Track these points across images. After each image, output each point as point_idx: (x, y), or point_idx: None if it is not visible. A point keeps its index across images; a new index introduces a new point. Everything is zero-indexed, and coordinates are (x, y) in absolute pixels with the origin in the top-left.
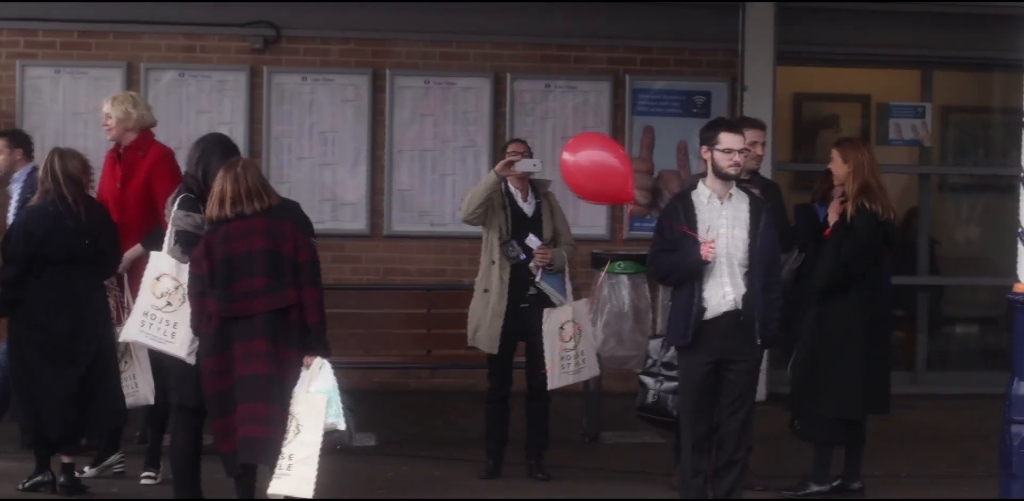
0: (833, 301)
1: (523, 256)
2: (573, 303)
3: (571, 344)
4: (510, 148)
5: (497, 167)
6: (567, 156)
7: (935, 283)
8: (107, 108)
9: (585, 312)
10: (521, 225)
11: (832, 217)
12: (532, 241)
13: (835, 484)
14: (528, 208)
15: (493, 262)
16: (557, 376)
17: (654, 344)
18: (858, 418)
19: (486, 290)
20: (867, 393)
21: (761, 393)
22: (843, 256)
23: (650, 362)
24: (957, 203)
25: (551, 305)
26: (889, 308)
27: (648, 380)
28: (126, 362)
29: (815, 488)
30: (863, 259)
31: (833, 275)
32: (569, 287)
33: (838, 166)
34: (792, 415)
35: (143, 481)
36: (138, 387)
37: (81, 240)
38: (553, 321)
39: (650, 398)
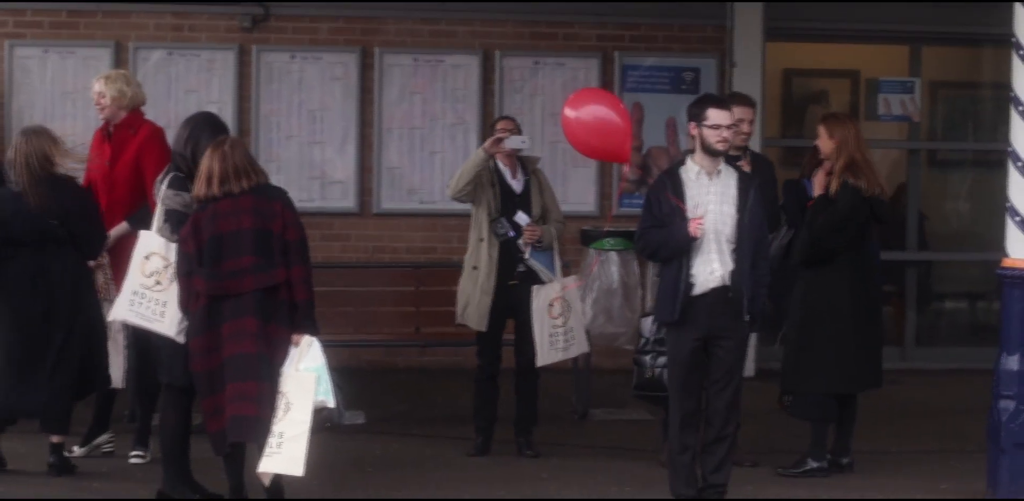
0: (818, 276)
1: (512, 233)
2: (562, 280)
3: (560, 321)
4: (499, 125)
5: (486, 144)
6: (569, 111)
7: (924, 259)
8: (100, 87)
9: (574, 289)
10: (510, 202)
11: (816, 190)
12: (521, 218)
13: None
14: (517, 185)
15: (482, 239)
16: (546, 353)
17: (647, 322)
18: (848, 393)
19: (475, 267)
20: (858, 368)
21: (750, 369)
22: (816, 230)
23: (643, 341)
24: (947, 178)
25: (540, 282)
26: (879, 283)
27: (644, 358)
28: None
29: (814, 465)
30: (837, 234)
31: (805, 249)
32: (558, 264)
33: (824, 141)
34: (781, 391)
35: (132, 460)
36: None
37: (46, 222)
38: (542, 298)
39: (647, 374)
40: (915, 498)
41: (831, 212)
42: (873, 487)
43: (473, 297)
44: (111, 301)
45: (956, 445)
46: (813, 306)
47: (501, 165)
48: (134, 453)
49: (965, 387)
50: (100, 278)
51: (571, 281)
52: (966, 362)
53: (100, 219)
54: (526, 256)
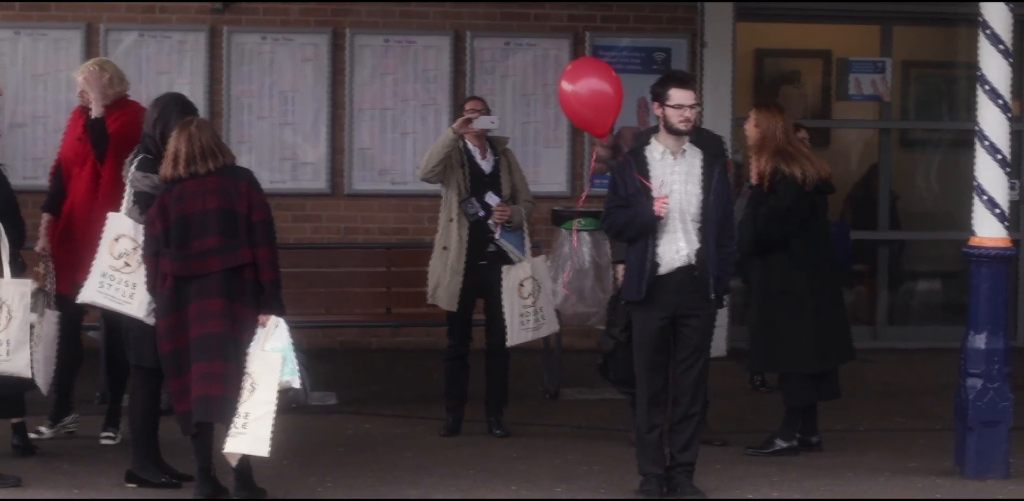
0: (772, 258)
1: (482, 213)
2: (532, 260)
3: (530, 301)
4: (468, 105)
5: (455, 124)
6: (565, 85)
7: (896, 238)
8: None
9: (544, 269)
10: (479, 182)
11: (753, 178)
12: (491, 198)
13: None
14: (486, 165)
15: (452, 220)
16: (516, 333)
17: (610, 303)
18: (813, 371)
19: (445, 248)
20: (820, 347)
21: (722, 349)
22: (759, 223)
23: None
24: (919, 158)
25: (510, 262)
26: (847, 262)
27: (606, 340)
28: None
29: (783, 445)
30: (781, 224)
31: (752, 241)
32: (527, 244)
33: (750, 128)
34: (751, 372)
35: (103, 441)
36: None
37: None
38: (512, 278)
39: (598, 360)
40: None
41: (772, 205)
42: (841, 466)
43: (443, 277)
44: (49, 292)
45: (925, 424)
46: (770, 289)
47: (471, 145)
48: (105, 434)
49: (936, 366)
50: (41, 268)
51: (541, 261)
52: (937, 341)
53: (16, 208)
54: (496, 236)
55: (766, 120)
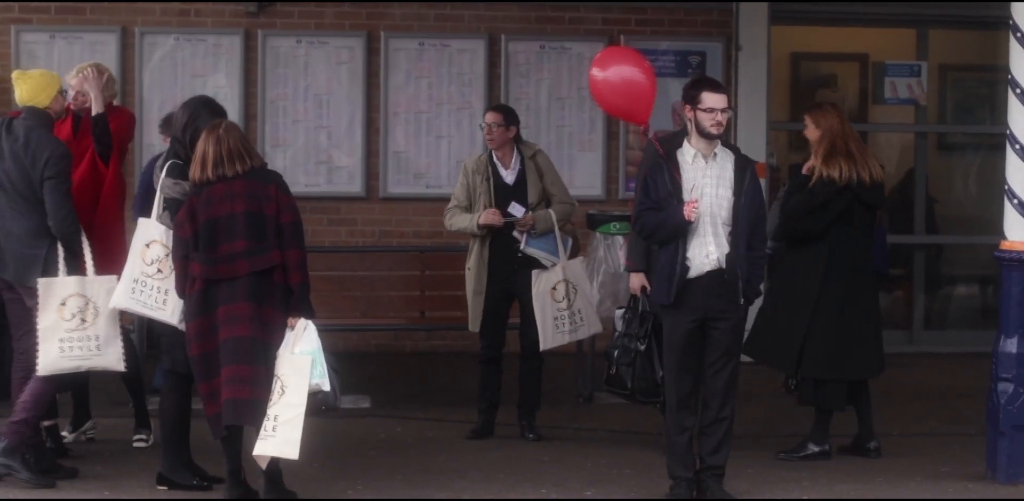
0: (793, 258)
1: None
2: (567, 262)
3: (564, 304)
4: (487, 118)
5: (481, 220)
6: (595, 72)
7: (933, 242)
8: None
9: (581, 271)
10: (503, 194)
11: (804, 168)
12: (515, 209)
13: (849, 444)
14: (510, 177)
15: (475, 236)
16: (551, 336)
17: (618, 314)
18: (823, 378)
19: (469, 268)
20: (855, 355)
21: None
22: (788, 210)
23: (615, 334)
24: (956, 162)
25: (543, 267)
26: (885, 267)
27: (612, 353)
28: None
29: (815, 449)
30: (809, 217)
31: (779, 226)
32: (562, 245)
33: (811, 131)
34: (785, 375)
35: (136, 444)
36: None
37: None
38: (543, 283)
39: (611, 370)
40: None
41: (805, 195)
42: (873, 470)
43: (468, 299)
44: None
45: (959, 428)
46: (782, 287)
47: (495, 157)
48: (137, 437)
49: (972, 370)
50: None
51: (578, 263)
52: (974, 346)
53: None
54: (522, 246)
55: (823, 118)
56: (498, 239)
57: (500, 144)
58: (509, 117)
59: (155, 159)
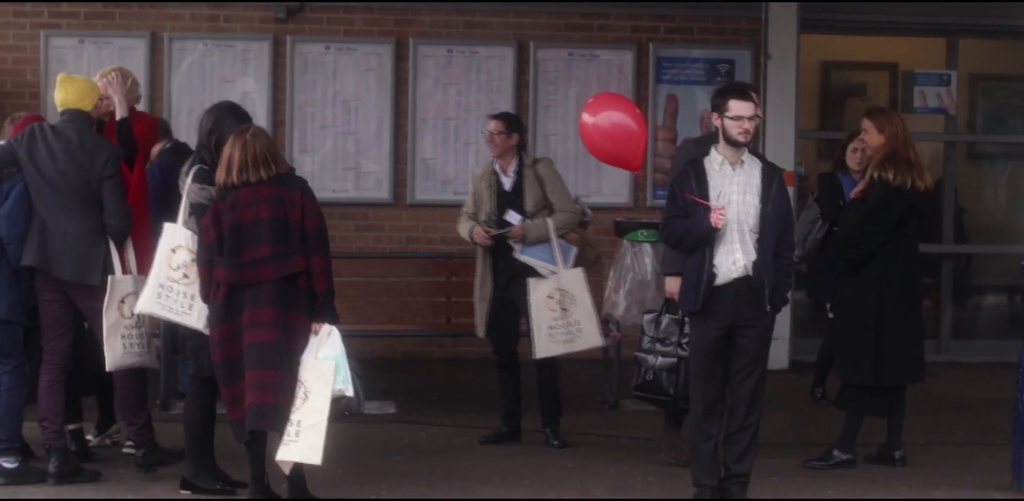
0: (852, 270)
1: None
2: (563, 272)
3: (558, 313)
4: (489, 125)
5: (477, 236)
6: (586, 117)
7: (962, 251)
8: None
9: (580, 280)
10: (503, 201)
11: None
12: (511, 216)
13: (875, 452)
14: (508, 183)
15: (478, 244)
16: (545, 345)
17: (647, 319)
18: (890, 384)
19: (478, 275)
20: (898, 360)
21: (784, 361)
22: (846, 231)
23: (646, 340)
24: (986, 171)
25: (541, 275)
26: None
27: (646, 358)
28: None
29: (842, 457)
30: (869, 228)
31: (844, 258)
32: (558, 254)
33: (873, 136)
34: (813, 383)
35: (125, 450)
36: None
37: None
38: (539, 291)
39: (647, 376)
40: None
41: (859, 208)
42: (898, 479)
43: (475, 305)
44: None
45: (986, 438)
46: (851, 298)
47: (498, 165)
48: (128, 443)
49: (999, 380)
50: None
51: (578, 273)
52: (1002, 355)
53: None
54: (516, 254)
55: (888, 124)
56: (500, 247)
57: (502, 152)
58: (512, 125)
59: (152, 167)
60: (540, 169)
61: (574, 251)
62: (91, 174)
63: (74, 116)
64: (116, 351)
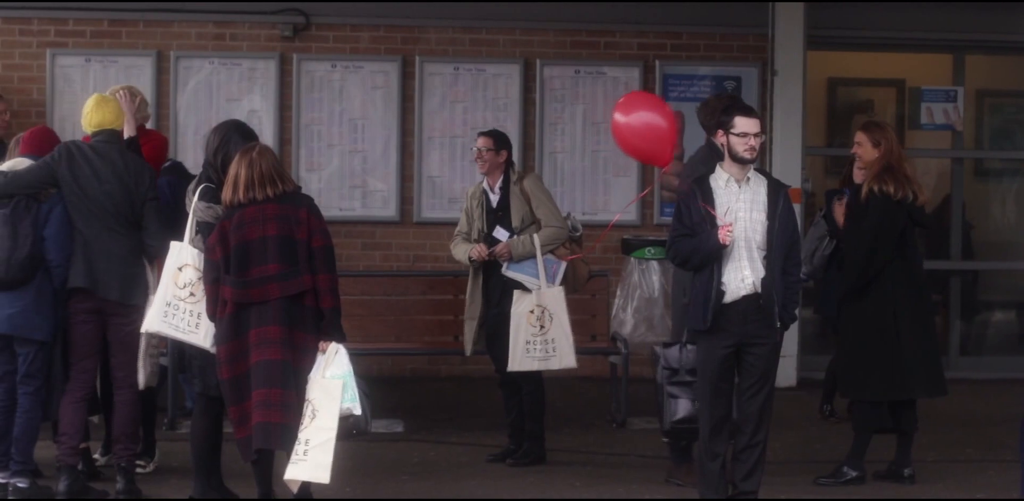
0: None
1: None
2: (548, 289)
3: (537, 329)
4: (478, 142)
5: (474, 254)
6: (618, 116)
7: (969, 268)
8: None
9: (561, 299)
10: (491, 218)
11: (838, 219)
12: (499, 233)
13: (884, 470)
14: (495, 199)
15: (471, 260)
16: (519, 359)
17: (671, 353)
18: (900, 399)
19: (468, 294)
20: (910, 375)
21: (792, 379)
22: (852, 253)
23: (669, 373)
24: (993, 187)
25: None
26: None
27: (678, 390)
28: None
29: (852, 474)
30: (875, 243)
31: (851, 280)
32: (545, 271)
33: (867, 150)
34: (821, 400)
35: (139, 470)
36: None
37: None
38: (522, 305)
39: (691, 409)
40: None
41: (862, 224)
42: (907, 496)
43: (464, 324)
44: None
45: (995, 455)
46: (861, 314)
47: (486, 183)
48: (138, 462)
49: (1008, 397)
50: None
51: (559, 292)
52: (1010, 371)
53: None
54: (504, 270)
55: (883, 138)
56: (491, 264)
57: (491, 169)
58: (500, 142)
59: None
60: (526, 184)
61: (562, 266)
62: (135, 195)
63: (111, 136)
64: (147, 370)
